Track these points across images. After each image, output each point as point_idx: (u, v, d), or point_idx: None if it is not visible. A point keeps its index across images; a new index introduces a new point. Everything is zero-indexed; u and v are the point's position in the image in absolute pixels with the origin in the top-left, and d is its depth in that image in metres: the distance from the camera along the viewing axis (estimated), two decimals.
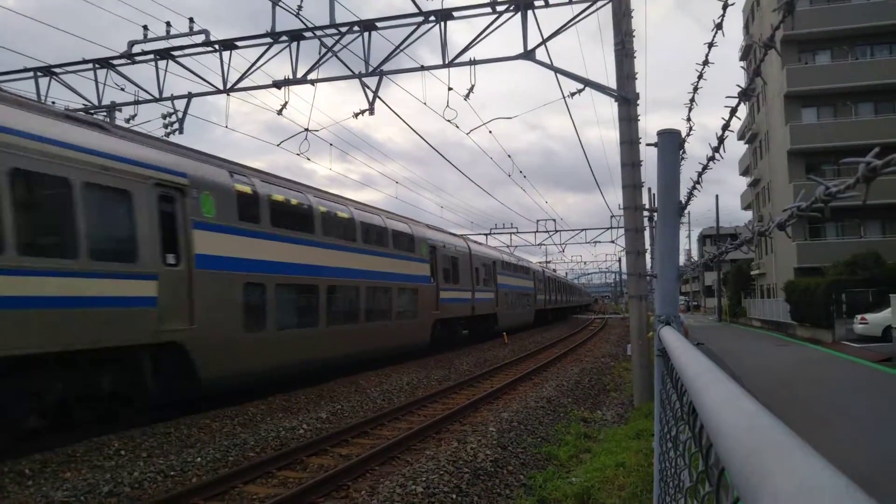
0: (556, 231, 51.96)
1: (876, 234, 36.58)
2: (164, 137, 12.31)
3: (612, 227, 49.31)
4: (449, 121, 15.80)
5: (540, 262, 57.15)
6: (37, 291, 8.87)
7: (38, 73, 17.51)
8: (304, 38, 15.83)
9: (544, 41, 14.28)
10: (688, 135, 3.29)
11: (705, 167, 3.19)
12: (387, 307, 19.58)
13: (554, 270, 66.62)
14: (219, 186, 12.60)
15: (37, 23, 50.46)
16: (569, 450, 9.34)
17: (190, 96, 17.30)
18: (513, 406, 12.40)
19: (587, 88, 14.08)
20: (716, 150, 2.90)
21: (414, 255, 21.78)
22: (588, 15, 14.06)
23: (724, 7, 2.52)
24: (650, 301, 15.16)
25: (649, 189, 21.64)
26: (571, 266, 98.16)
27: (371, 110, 15.94)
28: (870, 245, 32.56)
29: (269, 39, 15.89)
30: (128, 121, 18.34)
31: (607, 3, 13.78)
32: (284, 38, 15.78)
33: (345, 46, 15.67)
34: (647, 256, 14.93)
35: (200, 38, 16.49)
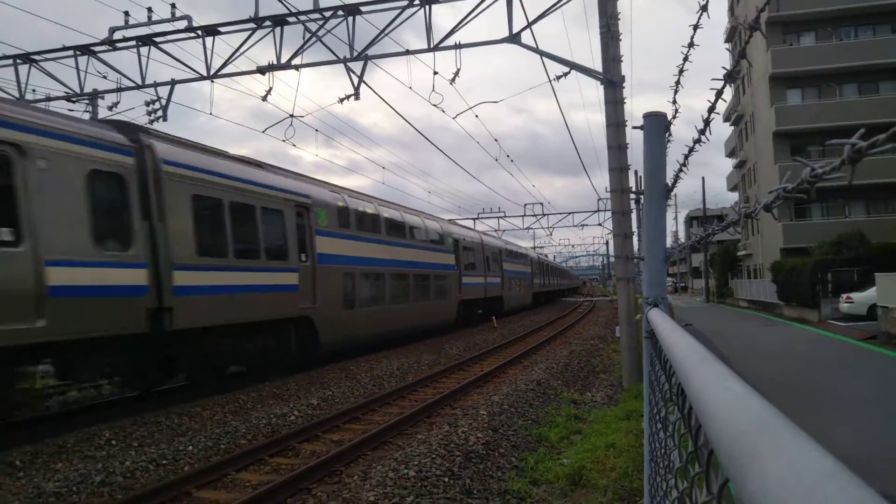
0: (544, 215, 52.08)
1: (861, 214, 36.92)
2: (247, 158, 15.64)
3: (599, 210, 49.53)
4: (435, 105, 15.77)
5: (530, 248, 57.56)
6: (243, 281, 13.32)
7: (18, 61, 17.25)
8: (288, 23, 15.67)
9: (530, 24, 14.21)
10: (674, 117, 3.28)
11: (691, 149, 3.20)
12: (427, 290, 23.94)
13: (544, 255, 67.20)
14: (326, 203, 17.08)
15: (15, 9, 49.48)
16: (559, 431, 9.41)
17: (173, 83, 17.10)
18: (503, 389, 12.46)
19: (573, 71, 14.05)
20: (702, 132, 2.91)
21: (443, 248, 26.20)
22: None
23: None
24: (638, 283, 15.23)
25: (636, 171, 21.67)
26: (559, 249, 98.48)
27: (356, 95, 15.85)
28: (855, 225, 32.87)
29: (252, 25, 15.71)
30: (110, 108, 18.14)
31: None
32: (268, 23, 15.61)
33: (329, 31, 15.55)
34: (635, 239, 14.97)
35: (183, 24, 16.28)
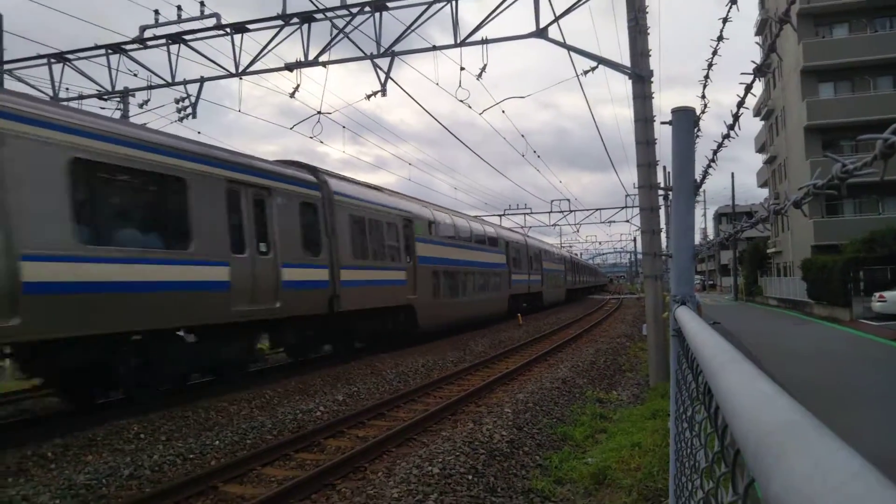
0: (571, 211, 51.72)
1: (894, 211, 36.11)
2: (372, 185, 20.01)
3: (626, 207, 48.95)
4: (461, 101, 15.74)
5: (558, 245, 57.72)
6: (377, 277, 17.83)
7: (52, 60, 17.57)
8: (315, 19, 15.75)
9: (557, 19, 14.12)
10: (702, 112, 3.25)
11: (720, 145, 3.16)
12: (486, 285, 27.91)
13: (576, 254, 67.73)
14: (420, 216, 21.61)
15: (49, 10, 50.38)
16: (584, 430, 9.35)
17: (202, 80, 17.30)
18: (528, 387, 12.43)
19: (601, 66, 13.93)
20: (731, 127, 2.87)
21: (497, 249, 30.16)
22: None
23: None
24: (665, 281, 15.09)
25: (664, 167, 21.46)
26: (586, 246, 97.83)
27: (383, 91, 15.89)
28: (888, 221, 32.13)
29: (280, 22, 15.82)
30: (141, 106, 18.38)
31: None
32: (295, 20, 15.71)
33: (356, 27, 15.59)
34: (663, 236, 14.83)
35: (211, 22, 16.46)
